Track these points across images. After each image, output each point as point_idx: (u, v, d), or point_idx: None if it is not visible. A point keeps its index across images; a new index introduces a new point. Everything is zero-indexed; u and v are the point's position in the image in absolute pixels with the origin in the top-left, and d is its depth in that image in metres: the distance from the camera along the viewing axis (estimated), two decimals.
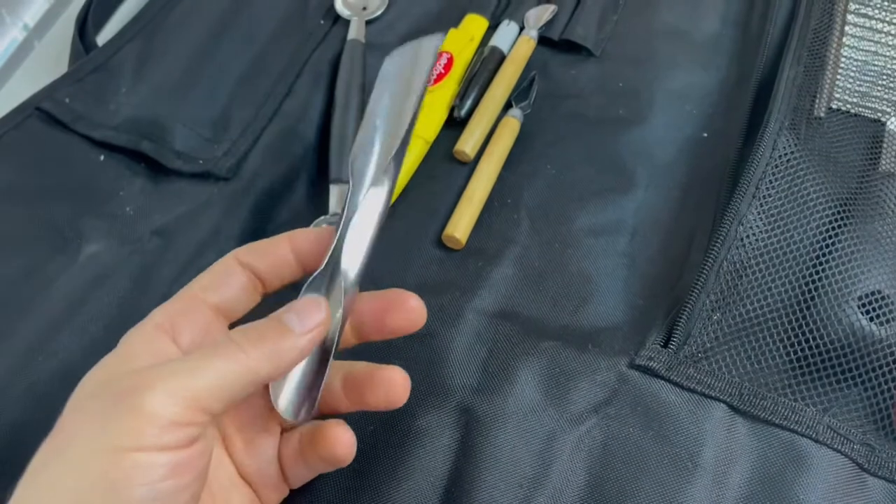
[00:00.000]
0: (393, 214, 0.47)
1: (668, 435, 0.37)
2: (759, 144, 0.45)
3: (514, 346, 0.41)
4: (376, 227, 0.33)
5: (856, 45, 0.51)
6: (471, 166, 0.49)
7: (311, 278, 0.32)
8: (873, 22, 0.52)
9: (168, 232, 0.46)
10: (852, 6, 0.52)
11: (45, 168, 0.49)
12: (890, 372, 0.38)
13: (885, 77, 0.49)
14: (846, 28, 0.51)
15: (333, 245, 0.32)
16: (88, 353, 0.41)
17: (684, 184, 0.48)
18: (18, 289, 0.44)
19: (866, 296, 0.39)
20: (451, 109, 0.51)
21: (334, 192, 0.47)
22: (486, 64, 0.53)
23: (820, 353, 0.39)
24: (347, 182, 0.33)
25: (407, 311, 0.34)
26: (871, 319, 0.39)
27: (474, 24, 0.56)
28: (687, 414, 0.38)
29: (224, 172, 0.48)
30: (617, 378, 0.39)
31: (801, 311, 0.40)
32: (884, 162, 0.45)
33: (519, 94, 0.52)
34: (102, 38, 0.56)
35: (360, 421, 0.39)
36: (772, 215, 0.43)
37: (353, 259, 0.32)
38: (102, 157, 0.49)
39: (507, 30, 0.55)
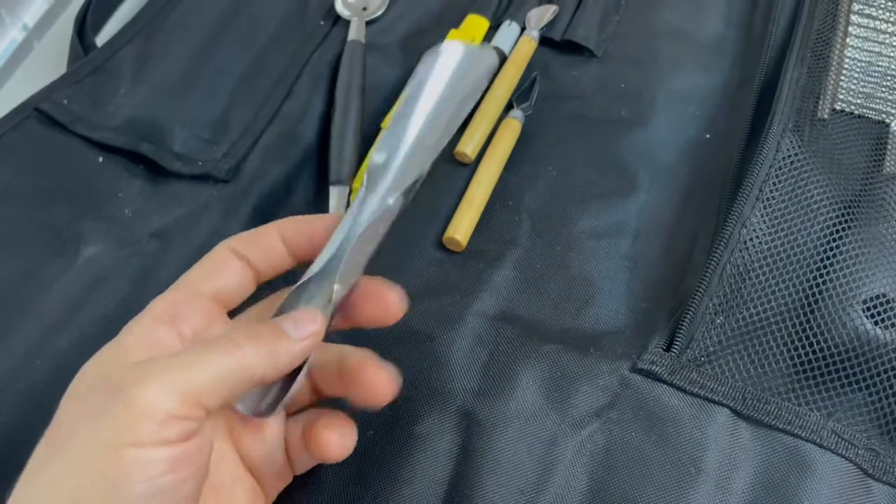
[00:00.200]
0: None
1: (670, 440, 0.37)
2: (763, 146, 0.44)
3: (516, 350, 0.40)
4: (381, 240, 0.32)
5: (860, 45, 0.50)
6: (471, 168, 0.49)
7: (303, 280, 0.31)
8: (877, 22, 0.51)
9: (167, 234, 0.46)
10: (856, 6, 0.52)
11: (44, 169, 0.48)
12: (895, 376, 0.38)
13: (889, 78, 0.49)
14: (850, 28, 0.51)
15: (335, 249, 0.31)
16: (87, 356, 0.41)
17: (687, 186, 0.48)
18: (16, 291, 0.43)
19: (871, 299, 0.39)
20: None
21: (334, 193, 0.47)
22: None
23: (824, 358, 0.38)
24: (346, 183, 0.32)
25: (385, 303, 0.33)
26: (876, 323, 0.38)
27: (475, 25, 0.55)
28: (690, 418, 0.37)
29: (223, 174, 0.48)
30: (619, 382, 0.39)
31: (805, 314, 0.40)
32: (888, 164, 0.44)
33: (520, 95, 0.52)
34: (102, 38, 0.55)
35: (360, 425, 0.39)
36: (775, 218, 0.42)
37: (352, 270, 0.31)
38: (101, 159, 0.49)
39: (508, 30, 0.55)
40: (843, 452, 0.37)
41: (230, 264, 0.32)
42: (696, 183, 0.48)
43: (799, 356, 0.39)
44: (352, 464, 0.38)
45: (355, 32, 0.54)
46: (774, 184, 0.43)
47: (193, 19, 0.54)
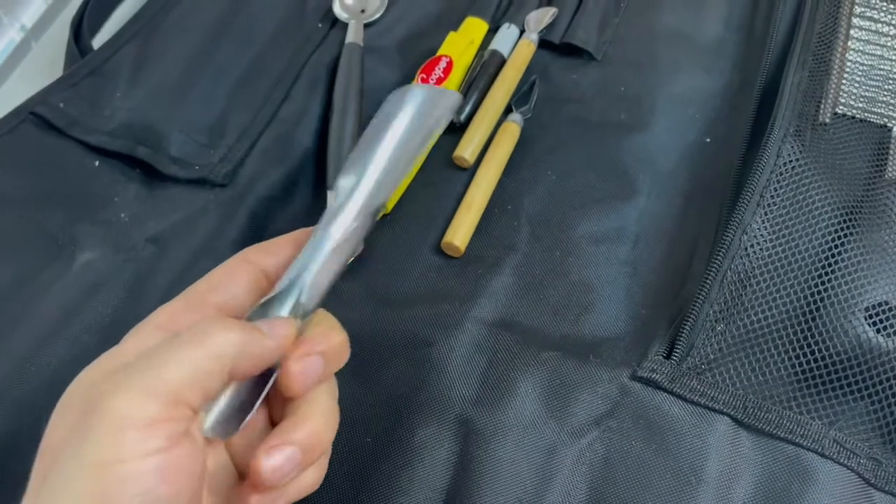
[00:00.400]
0: (391, 221, 0.47)
1: (670, 448, 0.37)
2: (764, 151, 0.44)
3: (514, 357, 0.40)
4: (346, 261, 0.31)
5: (861, 49, 0.50)
6: (470, 172, 0.48)
7: (263, 300, 0.30)
8: (879, 25, 0.51)
9: (163, 239, 0.46)
10: (857, 9, 0.51)
11: (40, 173, 0.48)
12: None
13: (891, 81, 0.48)
14: (851, 32, 0.50)
15: (298, 268, 0.30)
16: (82, 363, 0.40)
17: (687, 191, 0.47)
18: (12, 296, 0.43)
19: (873, 307, 0.39)
20: None
21: (331, 198, 0.46)
22: (486, 68, 0.52)
23: (826, 366, 0.38)
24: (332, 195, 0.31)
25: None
26: (879, 331, 0.38)
27: (474, 28, 0.55)
28: (690, 427, 0.37)
29: (220, 178, 0.48)
30: (619, 390, 0.39)
31: (806, 322, 0.39)
32: (890, 169, 0.44)
33: (519, 99, 0.51)
34: (99, 41, 0.55)
35: (358, 433, 0.39)
36: (776, 224, 0.42)
37: (318, 289, 0.30)
38: (97, 163, 0.49)
39: (507, 33, 0.55)
40: (845, 462, 0.36)
41: (242, 275, 0.32)
42: (697, 188, 0.47)
43: (800, 364, 0.39)
44: (349, 472, 0.38)
45: (353, 35, 0.54)
46: (775, 190, 0.43)
47: (190, 22, 0.54)
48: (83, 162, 0.48)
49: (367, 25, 0.56)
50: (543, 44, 0.55)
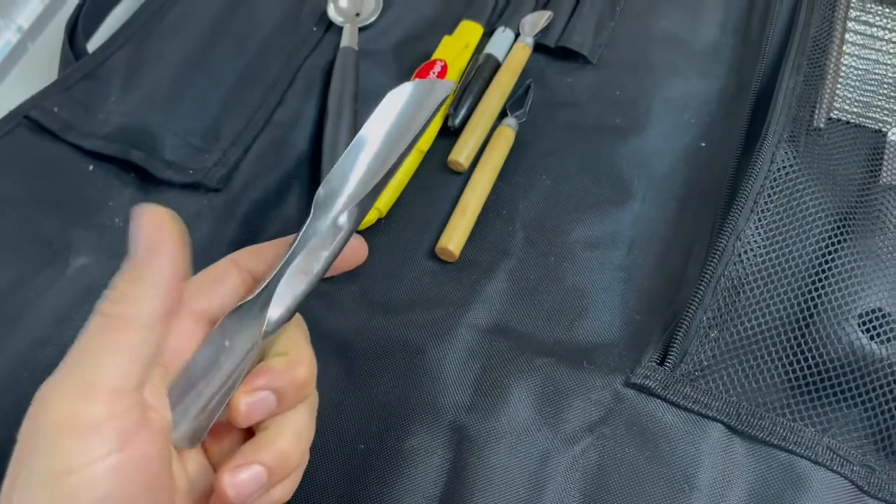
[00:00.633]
0: (385, 226, 0.47)
1: (664, 456, 0.37)
2: (758, 157, 0.44)
3: (508, 363, 0.40)
4: (323, 269, 0.30)
5: (857, 53, 0.50)
6: (465, 176, 0.48)
7: (236, 305, 0.30)
8: (874, 30, 0.51)
9: None
10: (853, 14, 0.51)
11: (34, 178, 0.48)
12: (891, 392, 0.37)
13: (886, 86, 0.48)
14: (847, 36, 0.50)
15: (271, 277, 0.30)
16: None
17: (682, 195, 0.47)
18: (5, 302, 0.43)
19: (867, 314, 0.39)
20: (445, 118, 0.50)
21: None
22: (481, 72, 0.52)
23: (819, 373, 0.38)
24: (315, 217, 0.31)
25: (349, 250, 0.32)
26: (872, 338, 0.38)
27: (469, 31, 0.55)
28: (683, 434, 0.37)
29: (214, 183, 0.48)
30: (612, 397, 0.39)
31: (800, 328, 0.39)
32: (885, 174, 0.44)
33: (514, 103, 0.51)
34: (94, 44, 0.55)
35: (350, 439, 0.39)
36: (770, 230, 0.42)
37: (287, 297, 0.29)
38: (91, 167, 0.48)
39: (502, 37, 0.54)
40: (839, 469, 0.36)
41: (229, 280, 0.31)
42: (692, 192, 0.47)
43: (794, 371, 0.39)
44: (341, 479, 0.38)
45: (348, 39, 0.54)
46: (769, 195, 0.43)
47: (185, 25, 0.54)
48: (77, 166, 0.48)
49: (361, 29, 0.56)
50: (539, 47, 0.55)
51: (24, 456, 0.25)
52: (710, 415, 0.37)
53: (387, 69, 0.54)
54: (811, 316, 0.39)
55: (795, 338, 0.39)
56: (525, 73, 0.53)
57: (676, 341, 0.39)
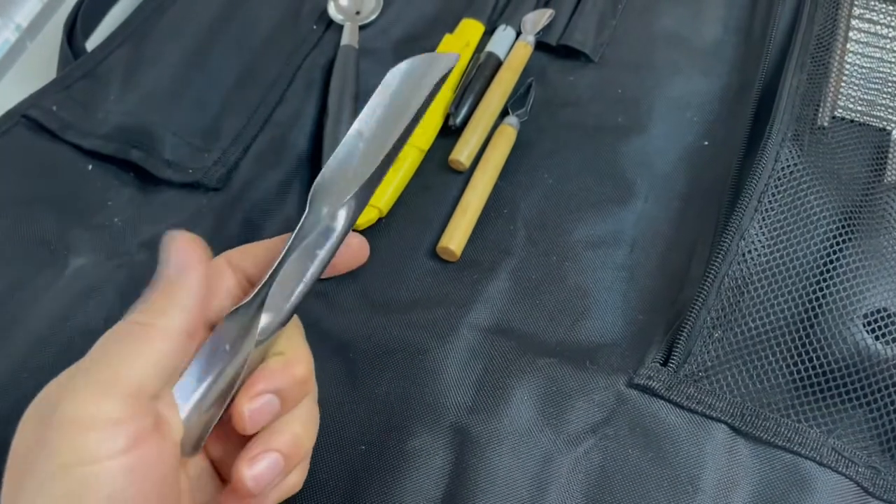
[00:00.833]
0: (386, 225, 0.46)
1: (667, 457, 0.36)
2: (762, 156, 0.44)
3: (510, 364, 0.40)
4: (319, 270, 0.30)
5: (860, 51, 0.49)
6: (466, 176, 0.48)
7: (233, 308, 0.29)
8: (878, 27, 0.50)
9: (156, 244, 0.45)
10: (856, 11, 0.51)
11: (32, 177, 0.48)
12: None
13: (890, 84, 0.48)
14: (850, 34, 0.50)
15: (267, 278, 0.29)
16: None
17: (685, 194, 0.47)
18: (4, 303, 0.43)
19: (872, 314, 0.38)
20: (446, 117, 0.50)
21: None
22: (482, 70, 0.52)
23: (824, 373, 0.38)
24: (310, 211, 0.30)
25: (350, 250, 0.32)
26: (877, 338, 0.38)
27: (470, 30, 0.55)
28: (687, 435, 0.37)
29: (214, 182, 0.47)
30: (615, 398, 0.38)
31: (804, 329, 0.39)
32: (889, 173, 0.44)
33: (515, 102, 0.51)
34: (93, 43, 0.55)
35: (351, 440, 0.38)
36: (774, 230, 0.42)
37: (281, 301, 0.29)
38: (90, 167, 0.48)
39: (503, 35, 0.54)
40: (844, 470, 0.36)
41: (223, 280, 0.31)
42: (695, 191, 0.47)
43: (798, 371, 0.38)
44: (342, 480, 0.37)
45: (348, 37, 0.53)
46: (773, 194, 0.42)
47: (184, 24, 0.54)
48: (76, 166, 0.48)
49: (362, 27, 0.55)
50: (540, 46, 0.54)
51: (33, 449, 0.25)
52: (714, 416, 0.37)
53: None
54: (816, 316, 0.39)
55: (800, 338, 0.39)
56: (526, 72, 0.53)
57: (680, 341, 0.39)
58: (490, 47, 0.53)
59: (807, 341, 0.39)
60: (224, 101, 0.51)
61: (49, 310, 0.43)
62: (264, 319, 0.29)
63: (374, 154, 0.30)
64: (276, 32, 0.54)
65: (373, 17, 0.56)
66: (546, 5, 0.56)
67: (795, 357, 0.39)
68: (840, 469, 0.36)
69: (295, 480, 0.31)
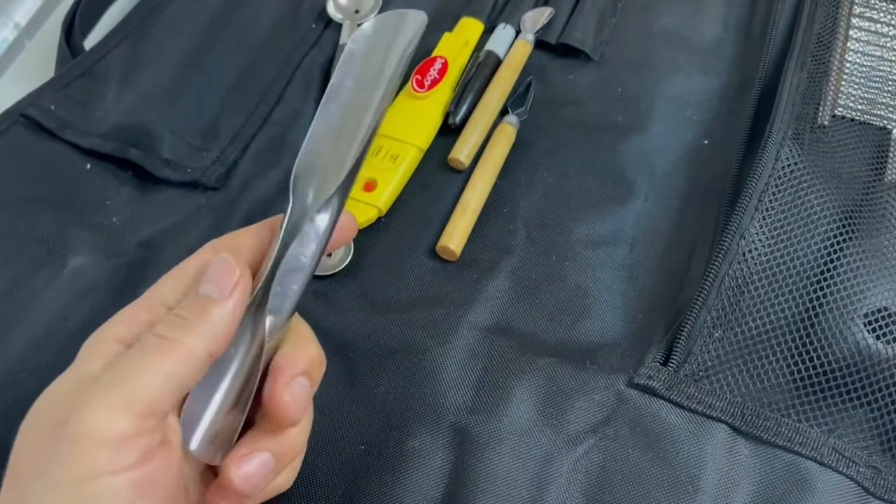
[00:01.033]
0: (386, 225, 0.46)
1: (667, 457, 0.36)
2: (762, 155, 0.44)
3: (510, 364, 0.40)
4: (315, 261, 0.29)
5: (861, 49, 0.49)
6: (465, 175, 0.48)
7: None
8: (879, 26, 0.50)
9: (155, 244, 0.45)
10: (857, 10, 0.51)
11: (31, 177, 0.48)
12: None
13: (891, 83, 0.48)
14: (851, 33, 0.50)
15: (265, 275, 0.29)
16: None
17: (685, 193, 0.47)
18: (3, 302, 0.43)
19: (872, 313, 0.38)
20: (446, 116, 0.50)
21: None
22: (482, 69, 0.52)
23: (824, 373, 0.38)
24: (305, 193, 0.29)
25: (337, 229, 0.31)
26: (878, 338, 0.38)
27: (469, 28, 0.54)
28: (687, 435, 0.37)
29: (213, 181, 0.47)
30: (615, 397, 0.38)
31: (805, 328, 0.39)
32: (890, 172, 0.44)
33: (515, 100, 0.51)
34: (91, 41, 0.55)
35: (351, 440, 0.38)
36: (775, 229, 0.41)
37: (284, 297, 0.29)
38: (89, 166, 0.48)
39: (502, 33, 0.54)
40: (844, 470, 0.36)
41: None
42: (695, 190, 0.47)
43: (799, 371, 0.38)
44: (342, 480, 0.37)
45: (347, 36, 0.53)
46: (774, 194, 0.42)
47: (182, 22, 0.53)
48: (75, 165, 0.48)
49: (361, 26, 0.55)
50: (540, 44, 0.54)
51: (40, 458, 0.25)
52: (715, 415, 0.37)
53: None
54: (816, 315, 0.39)
55: (800, 337, 0.39)
56: (526, 71, 0.53)
57: (680, 341, 0.39)
58: (489, 46, 0.53)
59: (807, 341, 0.38)
60: (223, 99, 0.51)
61: (47, 309, 0.43)
62: (271, 319, 0.28)
63: (352, 129, 0.29)
64: (274, 31, 0.54)
65: (372, 15, 0.56)
66: (545, 4, 0.56)
67: (796, 357, 0.38)
68: (841, 469, 0.36)
69: (283, 480, 0.31)
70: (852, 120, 0.47)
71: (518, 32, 0.55)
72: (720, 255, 0.41)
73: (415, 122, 0.49)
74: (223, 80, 0.51)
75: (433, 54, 0.52)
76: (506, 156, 0.48)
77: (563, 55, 0.54)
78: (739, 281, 0.40)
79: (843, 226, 0.42)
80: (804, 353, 0.38)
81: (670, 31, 0.55)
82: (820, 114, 0.46)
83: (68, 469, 0.24)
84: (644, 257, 0.44)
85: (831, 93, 0.47)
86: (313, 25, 0.55)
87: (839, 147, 0.45)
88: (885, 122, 0.46)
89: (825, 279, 0.40)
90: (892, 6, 0.51)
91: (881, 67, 0.49)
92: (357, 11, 0.56)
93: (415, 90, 0.50)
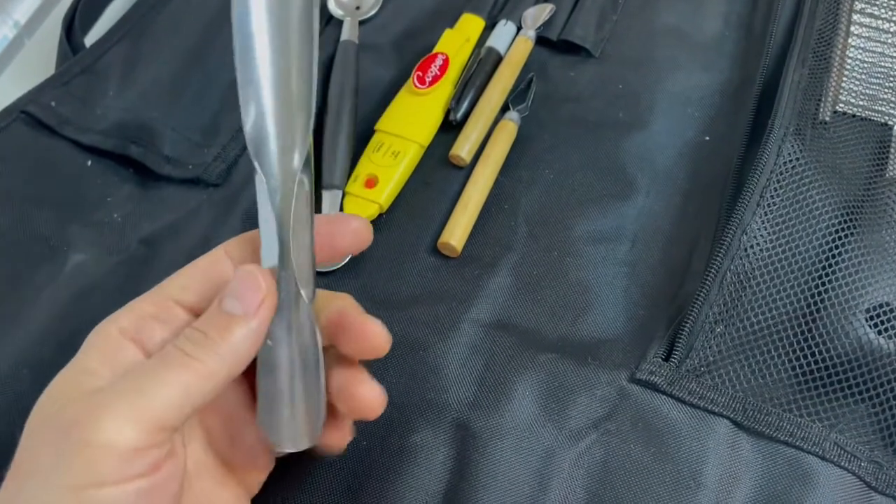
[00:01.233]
0: (387, 221, 0.46)
1: (669, 452, 0.36)
2: (764, 151, 0.44)
3: (512, 359, 0.40)
4: (311, 232, 0.29)
5: (862, 46, 0.49)
6: (467, 171, 0.48)
7: None
8: (880, 22, 0.50)
9: (156, 240, 0.45)
10: (858, 6, 0.51)
11: (31, 173, 0.47)
12: None
13: (892, 79, 0.48)
14: (852, 28, 0.50)
15: (277, 262, 0.29)
16: None
17: (686, 189, 0.47)
18: (3, 299, 0.43)
19: (874, 308, 0.38)
20: (447, 113, 0.50)
21: (327, 198, 0.46)
22: (483, 65, 0.52)
23: (826, 368, 0.38)
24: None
25: (352, 233, 0.32)
26: (880, 333, 0.38)
27: (470, 25, 0.54)
28: (689, 430, 0.37)
29: (214, 178, 0.47)
30: (617, 393, 0.38)
31: (806, 323, 0.39)
32: (891, 168, 0.44)
33: (516, 97, 0.51)
34: (92, 38, 0.54)
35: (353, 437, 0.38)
36: (776, 224, 0.41)
37: (304, 267, 0.29)
38: (90, 163, 0.48)
39: (503, 30, 0.54)
40: (846, 465, 0.36)
41: (220, 272, 0.30)
42: (696, 186, 0.47)
43: (801, 366, 0.38)
44: (344, 476, 0.37)
45: (348, 32, 0.53)
46: (775, 189, 0.42)
47: (183, 19, 0.53)
48: (75, 162, 0.48)
49: (362, 23, 0.55)
50: (541, 41, 0.54)
51: (45, 461, 0.25)
52: (717, 411, 0.37)
53: (387, 63, 0.54)
54: (818, 311, 0.39)
55: (802, 333, 0.39)
56: (527, 67, 0.53)
57: (682, 337, 0.39)
58: (490, 42, 0.53)
59: (809, 336, 0.38)
60: (223, 96, 0.51)
61: (48, 305, 0.43)
62: (305, 293, 0.29)
63: (285, 86, 0.28)
64: None
65: (372, 12, 0.56)
66: (546, 0, 0.56)
67: (798, 352, 0.38)
68: (842, 464, 0.36)
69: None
70: (854, 116, 0.47)
71: (519, 29, 0.55)
72: (722, 251, 0.41)
73: (416, 118, 0.49)
74: (223, 77, 0.51)
75: (434, 51, 0.52)
76: (507, 152, 0.48)
77: (564, 52, 0.54)
78: (741, 276, 0.40)
79: (845, 221, 0.42)
80: (806, 348, 0.38)
81: (671, 28, 0.55)
82: (821, 110, 0.46)
83: (75, 474, 0.24)
84: (645, 253, 0.44)
85: (832, 89, 0.47)
86: None
87: (840, 143, 0.45)
88: (887, 118, 0.46)
89: (827, 274, 0.40)
90: (893, 3, 0.51)
91: (882, 63, 0.49)
92: (358, 8, 0.56)
93: (416, 87, 0.50)
